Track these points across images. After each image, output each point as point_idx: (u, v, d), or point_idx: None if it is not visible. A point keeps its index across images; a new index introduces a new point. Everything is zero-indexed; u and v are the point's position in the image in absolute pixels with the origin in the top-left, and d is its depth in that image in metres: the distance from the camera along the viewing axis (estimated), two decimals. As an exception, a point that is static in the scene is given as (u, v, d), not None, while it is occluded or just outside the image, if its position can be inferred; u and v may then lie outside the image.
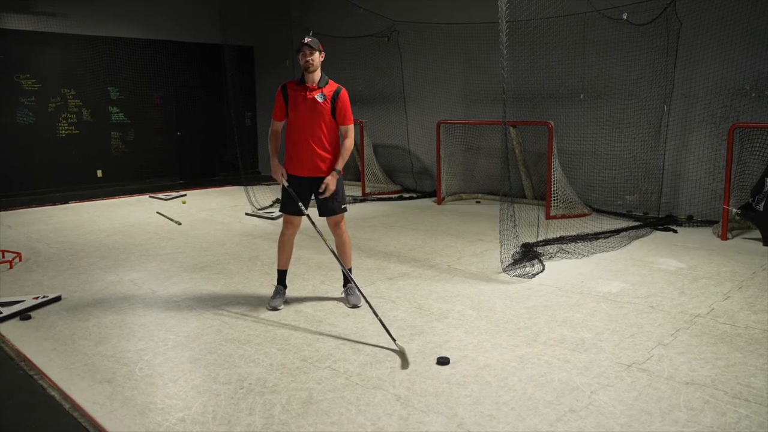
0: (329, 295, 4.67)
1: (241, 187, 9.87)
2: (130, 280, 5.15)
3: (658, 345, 3.59)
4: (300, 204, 4.18)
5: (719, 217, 6.66)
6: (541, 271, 5.14)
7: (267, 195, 9.26)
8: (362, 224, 7.50)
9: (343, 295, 4.55)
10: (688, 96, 7.37)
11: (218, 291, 4.82)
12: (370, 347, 3.63)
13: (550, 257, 5.58)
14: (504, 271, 5.17)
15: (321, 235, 4.08)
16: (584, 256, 5.70)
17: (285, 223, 4.39)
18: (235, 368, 3.36)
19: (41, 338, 3.86)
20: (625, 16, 7.41)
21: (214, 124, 12.98)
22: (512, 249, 5.44)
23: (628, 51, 7.64)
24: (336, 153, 4.27)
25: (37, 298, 4.52)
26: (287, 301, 4.47)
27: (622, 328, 3.89)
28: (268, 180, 11.39)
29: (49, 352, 3.63)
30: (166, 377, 3.27)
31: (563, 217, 7.56)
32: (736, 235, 6.50)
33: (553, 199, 7.62)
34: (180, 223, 7.71)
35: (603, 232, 6.48)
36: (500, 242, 5.36)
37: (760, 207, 6.14)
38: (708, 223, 7.08)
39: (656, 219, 7.28)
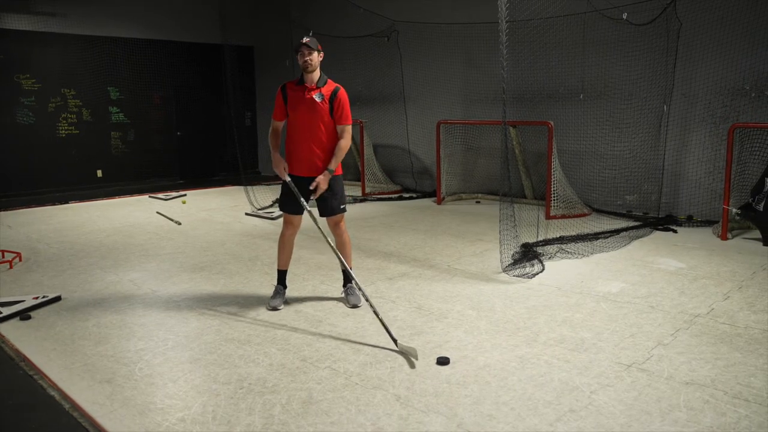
0: (329, 295, 4.67)
1: (241, 187, 9.87)
2: (130, 280, 5.15)
3: (658, 345, 3.59)
4: (301, 199, 4.17)
5: (719, 217, 6.66)
6: (541, 271, 5.14)
7: (267, 195, 9.26)
8: (362, 224, 7.50)
9: (342, 295, 4.55)
10: (688, 96, 7.37)
11: (218, 291, 4.82)
12: (370, 347, 3.63)
13: (549, 257, 5.58)
14: (504, 271, 5.17)
15: (321, 231, 4.07)
16: (584, 256, 5.70)
17: (285, 223, 4.39)
18: (234, 368, 3.36)
19: (41, 338, 3.86)
20: (625, 16, 7.41)
21: (214, 124, 12.98)
22: (512, 249, 5.44)
23: (627, 51, 7.64)
24: (335, 153, 4.27)
25: (37, 298, 4.52)
26: (287, 301, 4.47)
27: (622, 328, 3.89)
28: (268, 180, 11.41)
29: (49, 352, 3.63)
30: (165, 377, 3.27)
31: (563, 217, 7.55)
32: (736, 235, 6.50)
33: (552, 199, 7.62)
34: (180, 223, 7.71)
35: (603, 232, 6.48)
36: (500, 242, 5.37)
37: (760, 207, 6.14)
38: (708, 223, 7.09)
39: (656, 219, 7.27)
